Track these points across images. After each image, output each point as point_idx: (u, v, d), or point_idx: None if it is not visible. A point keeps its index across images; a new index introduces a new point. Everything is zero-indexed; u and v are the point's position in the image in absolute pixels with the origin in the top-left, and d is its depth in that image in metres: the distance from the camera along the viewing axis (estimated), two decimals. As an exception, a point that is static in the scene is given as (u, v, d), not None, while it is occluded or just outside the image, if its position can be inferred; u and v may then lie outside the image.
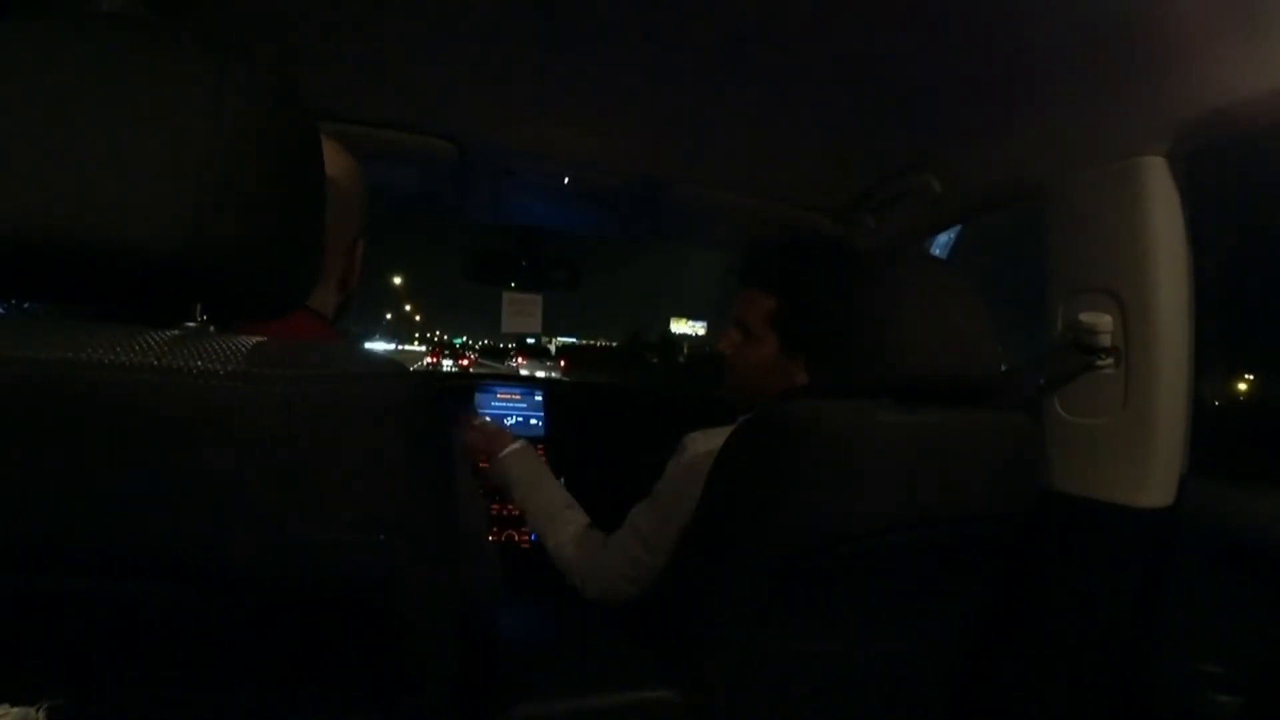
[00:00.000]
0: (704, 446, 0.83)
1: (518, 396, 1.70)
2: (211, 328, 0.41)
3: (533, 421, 1.68)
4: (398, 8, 0.79)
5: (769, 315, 0.96)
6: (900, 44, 0.80)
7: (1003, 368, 0.81)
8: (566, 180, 1.26)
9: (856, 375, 0.73)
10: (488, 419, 1.25)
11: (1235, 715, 0.74)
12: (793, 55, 0.84)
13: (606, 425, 1.44)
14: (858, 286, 0.74)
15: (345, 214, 0.67)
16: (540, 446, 1.64)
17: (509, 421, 1.66)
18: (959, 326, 0.72)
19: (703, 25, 0.79)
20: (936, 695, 0.90)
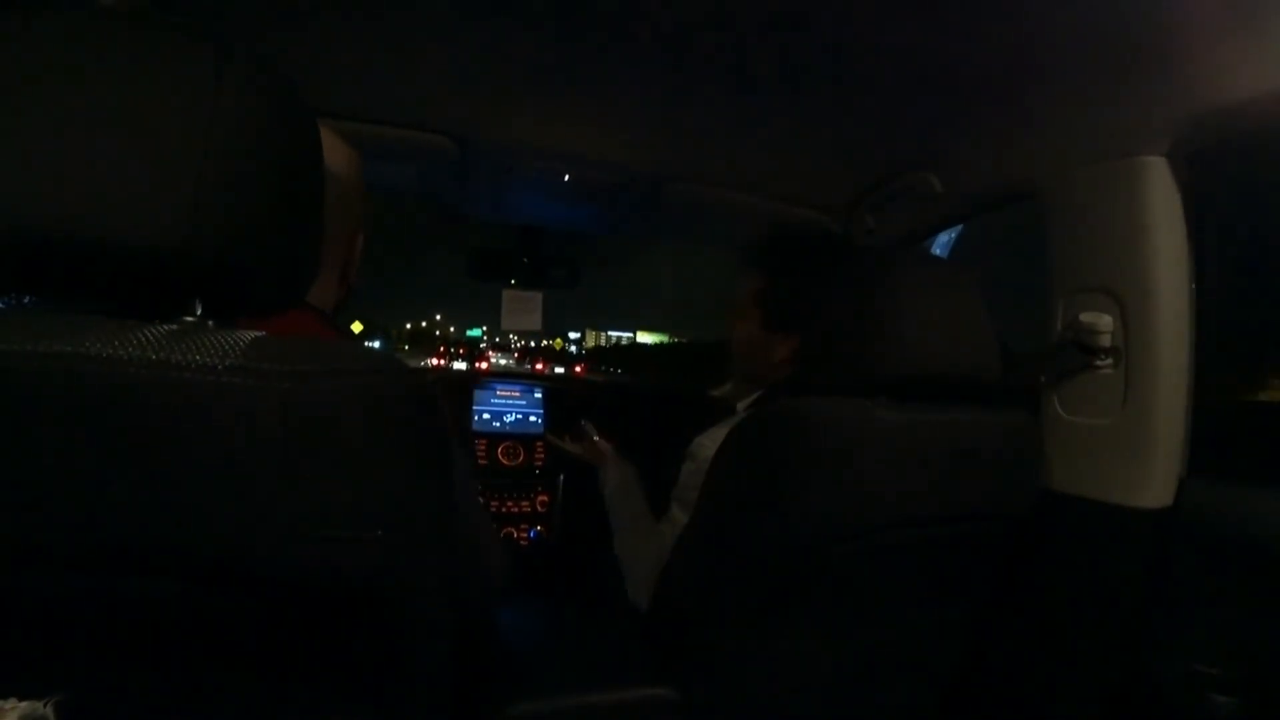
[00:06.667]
0: (713, 448, 0.84)
1: (517, 394, 1.69)
2: (210, 323, 0.41)
3: (532, 419, 1.68)
4: (399, 4, 0.79)
5: (753, 293, 1.03)
6: (900, 42, 0.79)
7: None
8: (566, 178, 1.26)
9: (852, 371, 0.72)
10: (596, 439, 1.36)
11: (1233, 716, 0.74)
12: (793, 53, 0.84)
13: (605, 423, 1.45)
14: (854, 283, 0.74)
15: (345, 206, 0.67)
16: (539, 444, 1.64)
17: (508, 418, 1.67)
18: (957, 325, 0.72)
19: (702, 23, 0.79)
20: (933, 694, 0.90)
